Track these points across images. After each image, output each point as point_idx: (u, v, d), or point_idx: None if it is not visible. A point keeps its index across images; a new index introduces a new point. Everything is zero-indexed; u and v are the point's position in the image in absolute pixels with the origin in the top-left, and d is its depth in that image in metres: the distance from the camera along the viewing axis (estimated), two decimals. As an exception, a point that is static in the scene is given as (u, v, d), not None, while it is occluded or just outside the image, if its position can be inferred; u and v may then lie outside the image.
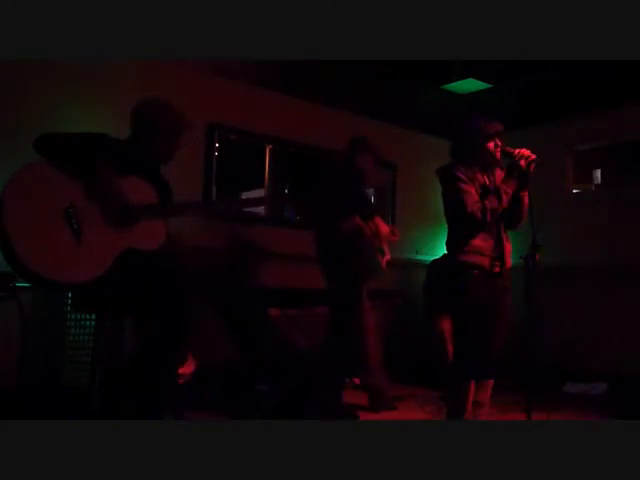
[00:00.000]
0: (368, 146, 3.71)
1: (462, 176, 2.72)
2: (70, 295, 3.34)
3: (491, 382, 2.87)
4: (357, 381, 4.28)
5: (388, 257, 3.89)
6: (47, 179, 2.25)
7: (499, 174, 2.85)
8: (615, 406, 4.07)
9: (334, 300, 3.73)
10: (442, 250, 3.04)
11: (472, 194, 2.70)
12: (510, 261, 2.83)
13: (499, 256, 2.78)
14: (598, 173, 5.92)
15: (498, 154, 2.78)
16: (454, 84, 5.69)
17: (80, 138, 2.39)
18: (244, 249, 4.53)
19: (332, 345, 3.70)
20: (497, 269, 2.77)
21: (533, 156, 2.67)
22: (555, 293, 4.84)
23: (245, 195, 6.00)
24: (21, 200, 2.16)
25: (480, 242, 2.74)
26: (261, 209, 5.09)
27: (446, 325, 4.38)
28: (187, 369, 3.66)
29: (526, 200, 2.76)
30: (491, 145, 2.76)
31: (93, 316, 3.24)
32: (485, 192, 2.74)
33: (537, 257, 2.59)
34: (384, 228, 3.77)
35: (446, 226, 2.92)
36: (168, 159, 2.65)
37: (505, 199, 2.72)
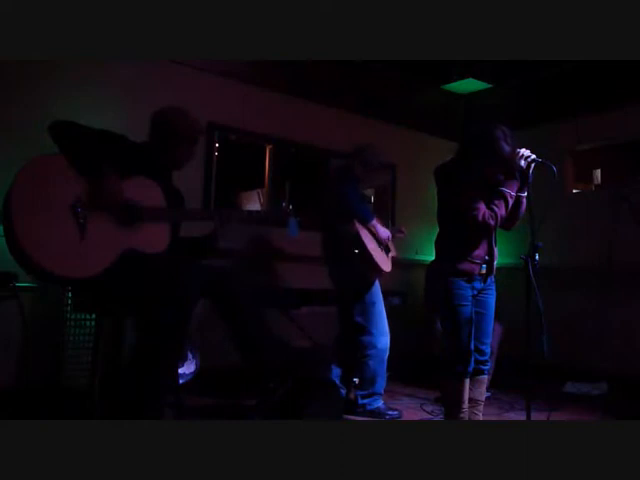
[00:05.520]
0: (367, 157, 3.70)
1: (468, 179, 2.69)
2: (70, 295, 3.35)
3: (485, 378, 2.88)
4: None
5: (393, 254, 3.91)
6: (56, 172, 2.24)
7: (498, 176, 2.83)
8: (615, 406, 4.07)
9: (340, 300, 3.77)
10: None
11: (480, 200, 2.67)
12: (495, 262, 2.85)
13: (489, 260, 2.79)
14: (598, 173, 5.92)
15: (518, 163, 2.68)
16: (454, 84, 5.71)
17: (99, 133, 2.40)
18: (260, 251, 4.56)
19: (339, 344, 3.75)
20: (484, 271, 2.78)
21: (533, 156, 2.65)
22: (555, 293, 4.83)
23: (244, 194, 6.00)
24: (29, 192, 2.16)
25: (480, 247, 2.76)
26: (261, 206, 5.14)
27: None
28: (187, 369, 3.67)
29: (525, 201, 2.75)
30: (512, 155, 2.64)
31: (93, 316, 3.24)
32: (490, 196, 2.70)
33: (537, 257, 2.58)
34: (383, 230, 3.76)
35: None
36: (181, 166, 2.70)
37: (510, 203, 2.70)
